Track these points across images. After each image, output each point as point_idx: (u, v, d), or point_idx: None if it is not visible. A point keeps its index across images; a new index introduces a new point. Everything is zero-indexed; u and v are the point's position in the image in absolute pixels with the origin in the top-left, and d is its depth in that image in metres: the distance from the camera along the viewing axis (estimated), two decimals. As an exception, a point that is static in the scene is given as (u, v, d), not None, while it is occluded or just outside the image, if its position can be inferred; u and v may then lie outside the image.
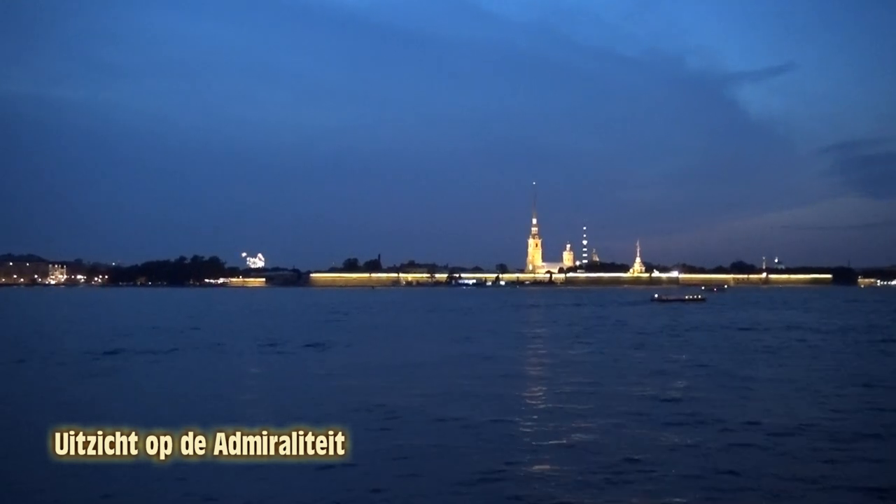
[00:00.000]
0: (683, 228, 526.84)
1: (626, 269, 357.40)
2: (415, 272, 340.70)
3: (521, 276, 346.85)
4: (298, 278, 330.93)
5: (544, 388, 23.20)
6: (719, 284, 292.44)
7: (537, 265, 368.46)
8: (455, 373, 26.61)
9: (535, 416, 18.47)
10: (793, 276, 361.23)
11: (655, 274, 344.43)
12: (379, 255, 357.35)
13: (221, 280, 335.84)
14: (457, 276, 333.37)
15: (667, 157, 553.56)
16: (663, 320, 63.55)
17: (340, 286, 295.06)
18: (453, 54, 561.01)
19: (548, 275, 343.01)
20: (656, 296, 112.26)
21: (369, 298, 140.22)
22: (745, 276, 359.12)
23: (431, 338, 43.27)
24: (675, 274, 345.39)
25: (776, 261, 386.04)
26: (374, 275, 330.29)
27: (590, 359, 31.47)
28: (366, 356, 32.60)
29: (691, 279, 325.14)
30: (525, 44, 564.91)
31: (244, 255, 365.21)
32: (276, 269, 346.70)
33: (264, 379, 25.83)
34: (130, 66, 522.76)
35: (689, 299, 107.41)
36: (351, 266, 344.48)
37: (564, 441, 15.73)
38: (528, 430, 16.95)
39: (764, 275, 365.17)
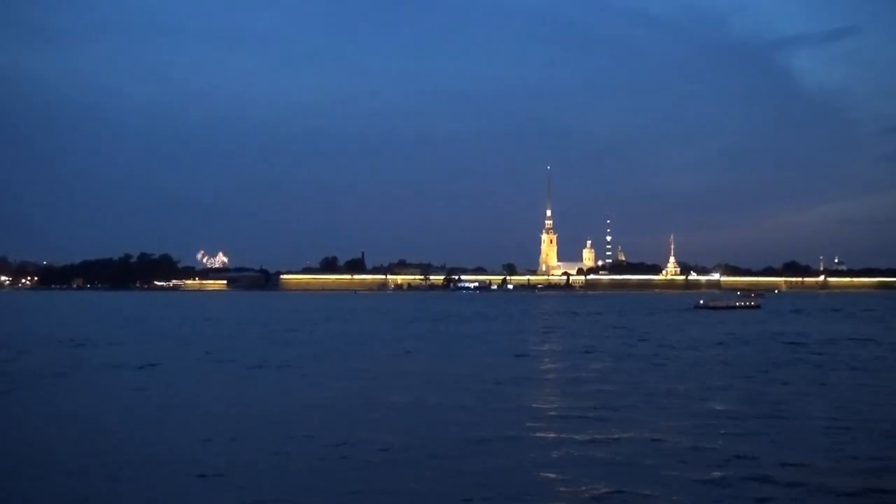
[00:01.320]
0: (725, 222, 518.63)
1: (657, 270, 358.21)
2: (406, 273, 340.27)
3: (532, 278, 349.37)
4: (267, 280, 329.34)
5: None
6: (768, 288, 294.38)
7: (552, 265, 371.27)
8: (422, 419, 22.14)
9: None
10: (856, 280, 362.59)
11: (692, 276, 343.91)
12: (363, 254, 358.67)
13: (173, 282, 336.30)
14: (456, 277, 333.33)
15: (706, 137, 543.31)
16: (718, 332, 61.04)
17: (316, 290, 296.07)
18: (456, 17, 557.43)
19: (564, 277, 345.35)
20: (701, 302, 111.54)
21: (350, 304, 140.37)
22: (800, 279, 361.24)
23: (408, 358, 40.90)
24: (715, 276, 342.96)
25: (836, 261, 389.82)
26: (356, 276, 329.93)
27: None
28: (301, 387, 29.30)
29: (735, 282, 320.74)
30: (540, 4, 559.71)
31: (202, 253, 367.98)
32: (240, 269, 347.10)
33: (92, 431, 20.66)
34: (64, 28, 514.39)
35: (741, 306, 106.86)
36: (329, 266, 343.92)
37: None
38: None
39: (821, 277, 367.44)
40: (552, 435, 19.54)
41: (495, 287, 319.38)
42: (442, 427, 20.33)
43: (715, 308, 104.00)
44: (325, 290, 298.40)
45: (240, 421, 21.66)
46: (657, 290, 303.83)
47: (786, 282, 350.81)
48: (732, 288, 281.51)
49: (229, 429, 20.37)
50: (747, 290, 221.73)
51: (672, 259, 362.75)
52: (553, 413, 23.12)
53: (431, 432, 19.60)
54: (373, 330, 63.57)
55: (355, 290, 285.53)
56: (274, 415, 22.75)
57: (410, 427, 20.42)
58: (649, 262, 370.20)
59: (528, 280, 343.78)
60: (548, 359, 40.82)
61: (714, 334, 59.14)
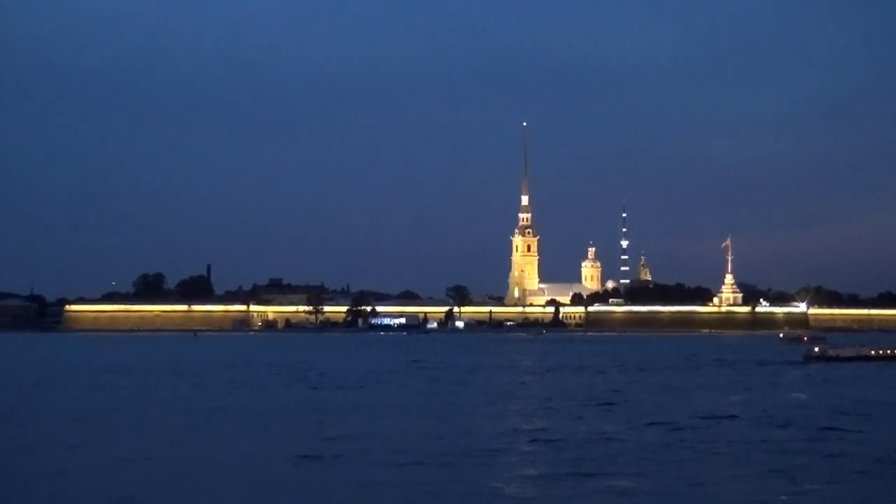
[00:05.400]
0: (810, 216, 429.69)
1: (705, 296, 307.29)
2: (282, 302, 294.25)
3: (497, 309, 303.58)
4: (41, 314, 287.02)
5: None
6: (883, 325, 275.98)
7: (530, 288, 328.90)
8: None
9: None
10: None
11: (763, 308, 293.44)
12: (208, 269, 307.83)
13: None
14: (368, 309, 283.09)
15: (779, 81, 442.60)
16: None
17: (123, 327, 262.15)
18: None
19: (552, 307, 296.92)
20: (816, 350, 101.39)
21: (166, 356, 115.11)
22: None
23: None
24: (799, 307, 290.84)
25: None
26: (196, 307, 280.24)
27: None
28: None
29: (831, 316, 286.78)
30: None
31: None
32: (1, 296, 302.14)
33: None
34: None
35: (880, 355, 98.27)
36: (150, 289, 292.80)
37: None
38: None
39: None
40: None
41: (434, 325, 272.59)
42: None
43: (839, 359, 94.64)
44: (141, 326, 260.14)
45: None
46: (706, 331, 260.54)
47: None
48: (826, 326, 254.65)
49: None
50: (850, 329, 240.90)
51: (730, 278, 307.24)
52: None
53: None
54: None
55: (195, 332, 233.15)
56: None
57: None
58: (690, 282, 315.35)
59: (491, 313, 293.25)
60: None
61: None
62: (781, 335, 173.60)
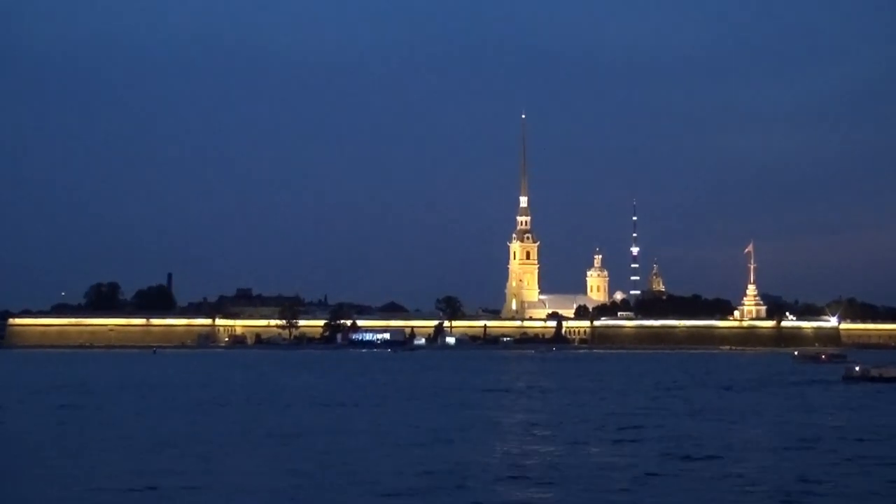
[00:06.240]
0: (843, 219, 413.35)
1: (725, 308, 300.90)
2: (252, 315, 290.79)
3: (493, 323, 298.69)
4: None
5: None
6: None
7: (529, 300, 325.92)
8: None
9: None
10: None
11: (790, 322, 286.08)
12: (169, 278, 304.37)
13: None
14: (348, 323, 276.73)
15: (807, 70, 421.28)
16: None
17: (74, 343, 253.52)
18: None
19: (554, 321, 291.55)
20: (857, 370, 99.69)
21: (118, 375, 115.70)
22: None
23: None
24: (830, 321, 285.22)
25: None
26: (155, 321, 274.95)
27: None
28: None
29: (865, 332, 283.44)
30: None
31: None
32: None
33: None
34: None
35: None
36: (104, 301, 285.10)
37: None
38: None
39: None
40: None
41: (422, 341, 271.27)
42: None
43: (882, 379, 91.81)
44: (93, 343, 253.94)
45: None
46: (725, 348, 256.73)
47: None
48: (861, 342, 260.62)
49: None
50: (888, 345, 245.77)
51: (752, 289, 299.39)
52: None
53: None
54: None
55: (154, 349, 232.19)
56: None
57: None
58: (708, 294, 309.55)
59: (486, 328, 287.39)
60: None
61: None
62: (796, 353, 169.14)
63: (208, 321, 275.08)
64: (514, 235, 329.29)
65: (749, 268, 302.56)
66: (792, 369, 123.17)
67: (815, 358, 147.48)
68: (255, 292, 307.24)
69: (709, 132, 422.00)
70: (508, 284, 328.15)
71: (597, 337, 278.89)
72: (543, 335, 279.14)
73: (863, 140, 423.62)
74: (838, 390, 79.05)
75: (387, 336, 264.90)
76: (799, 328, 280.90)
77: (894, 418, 51.63)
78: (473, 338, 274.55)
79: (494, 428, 45.70)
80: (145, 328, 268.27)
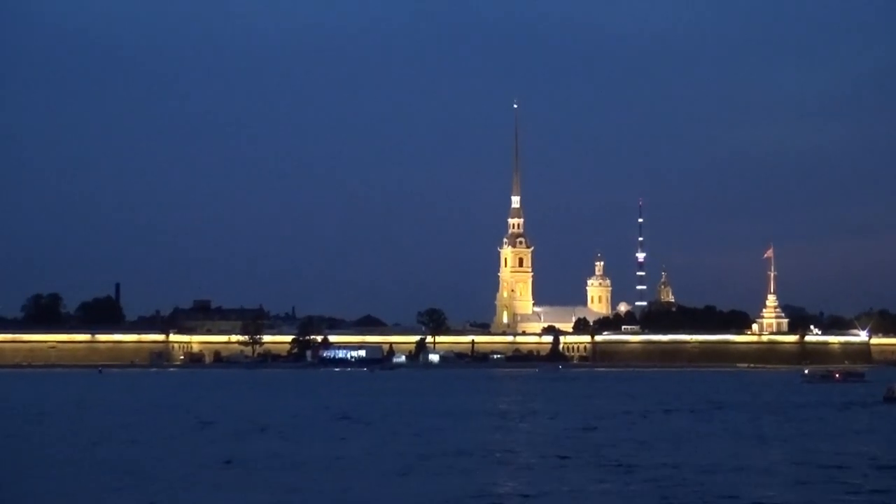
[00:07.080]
0: (871, 221, 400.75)
1: (742, 321, 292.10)
2: (211, 331, 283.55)
3: (481, 338, 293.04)
4: None
5: None
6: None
7: (522, 313, 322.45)
8: None
9: None
10: None
11: (814, 336, 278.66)
12: (117, 289, 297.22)
13: None
14: (320, 339, 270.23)
15: (831, 56, 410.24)
16: None
17: (9, 361, 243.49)
18: None
19: (550, 336, 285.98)
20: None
21: (58, 397, 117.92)
22: None
23: None
24: (860, 335, 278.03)
25: None
26: (101, 336, 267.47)
27: None
28: None
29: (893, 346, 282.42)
30: None
31: None
32: None
33: None
34: None
35: None
36: (44, 314, 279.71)
37: None
38: None
39: None
40: None
41: (402, 358, 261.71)
42: None
43: None
44: (31, 363, 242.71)
45: None
46: (743, 365, 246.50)
47: None
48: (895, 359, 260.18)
49: None
50: None
51: (772, 300, 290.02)
52: None
53: None
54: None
55: (100, 368, 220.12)
56: None
57: None
58: (723, 305, 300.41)
59: (474, 343, 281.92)
60: None
61: None
62: (806, 371, 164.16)
63: (161, 337, 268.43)
64: (505, 240, 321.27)
65: (768, 275, 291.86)
66: (811, 389, 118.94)
67: (826, 377, 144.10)
68: (213, 304, 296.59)
69: (724, 125, 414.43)
70: (499, 295, 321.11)
71: (598, 354, 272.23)
72: (538, 352, 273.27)
73: (894, 133, 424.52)
74: (880, 412, 78.46)
75: (362, 353, 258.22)
76: (825, 343, 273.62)
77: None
78: (460, 355, 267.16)
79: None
80: (90, 345, 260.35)
